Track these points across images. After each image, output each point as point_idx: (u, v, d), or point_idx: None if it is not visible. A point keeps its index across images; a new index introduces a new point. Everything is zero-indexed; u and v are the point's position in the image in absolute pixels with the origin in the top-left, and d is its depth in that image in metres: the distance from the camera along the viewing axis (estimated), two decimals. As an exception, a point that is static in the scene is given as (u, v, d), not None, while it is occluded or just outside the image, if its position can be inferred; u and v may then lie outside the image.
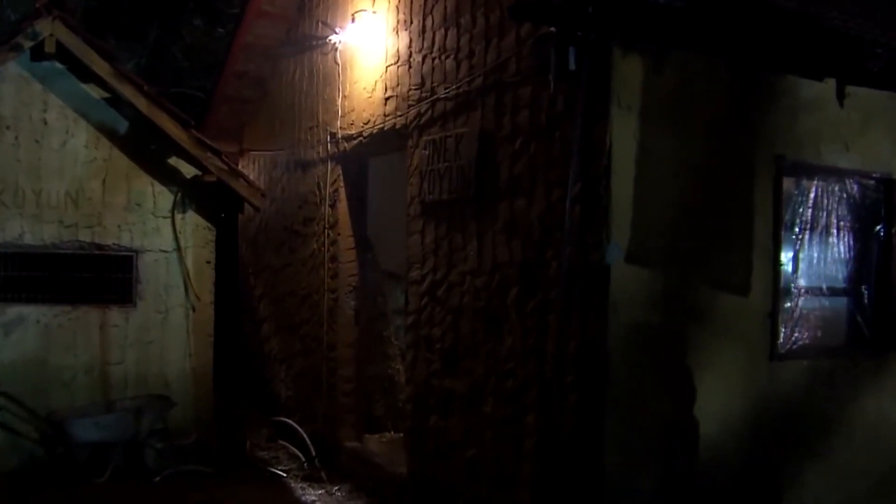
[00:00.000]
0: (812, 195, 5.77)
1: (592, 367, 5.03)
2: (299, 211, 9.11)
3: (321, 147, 8.60)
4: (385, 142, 7.46)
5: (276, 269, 9.73)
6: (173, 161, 8.56)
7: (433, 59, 6.63)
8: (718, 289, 5.37)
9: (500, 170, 5.86)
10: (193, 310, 8.60)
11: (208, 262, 8.71)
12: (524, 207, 5.60)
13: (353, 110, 7.94)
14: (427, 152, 6.64)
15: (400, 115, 7.07)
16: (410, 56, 6.93)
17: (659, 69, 5.12)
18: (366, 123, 7.67)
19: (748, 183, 5.49)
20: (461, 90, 6.27)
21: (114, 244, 8.41)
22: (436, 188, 6.51)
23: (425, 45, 6.71)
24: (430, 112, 6.67)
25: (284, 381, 9.42)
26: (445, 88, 6.45)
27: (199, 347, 8.63)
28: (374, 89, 7.55)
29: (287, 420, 8.97)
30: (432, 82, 6.65)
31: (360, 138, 7.77)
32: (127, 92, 8.12)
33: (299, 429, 8.65)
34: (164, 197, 8.56)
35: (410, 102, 6.92)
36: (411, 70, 6.93)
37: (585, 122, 5.07)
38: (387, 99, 7.32)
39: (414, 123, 6.87)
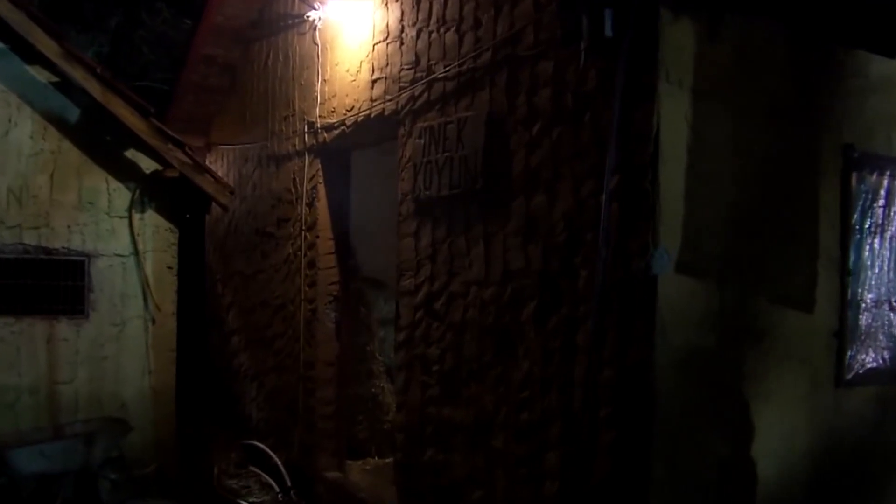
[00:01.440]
0: (883, 192, 4.89)
1: (635, 400, 4.12)
2: (272, 211, 8.14)
3: (298, 139, 7.64)
4: (372, 130, 6.52)
5: (246, 276, 8.75)
6: (131, 154, 7.58)
7: (430, 34, 5.69)
8: (778, 304, 4.48)
9: (513, 160, 4.94)
10: (153, 322, 7.62)
11: (170, 268, 7.72)
12: (545, 205, 4.69)
13: (334, 96, 6.99)
14: (422, 141, 5.70)
15: (389, 100, 6.13)
16: (402, 31, 5.99)
17: (713, 37, 4.22)
18: (349, 110, 6.72)
19: (811, 177, 4.61)
20: (464, 68, 5.35)
21: (63, 248, 7.42)
22: (433, 183, 5.57)
23: (420, 17, 5.77)
24: (426, 95, 5.74)
25: (256, 401, 8.44)
26: (445, 66, 5.52)
27: (159, 364, 7.65)
28: (358, 71, 6.60)
29: (259, 444, 7.99)
30: (429, 60, 5.71)
31: (343, 127, 6.82)
32: (78, 75, 7.13)
33: (273, 455, 7.69)
34: (121, 195, 7.57)
35: (402, 84, 5.99)
36: (403, 47, 5.99)
37: (626, 102, 4.16)
38: (374, 81, 6.37)
39: (406, 108, 5.94)
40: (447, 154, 5.44)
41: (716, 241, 4.22)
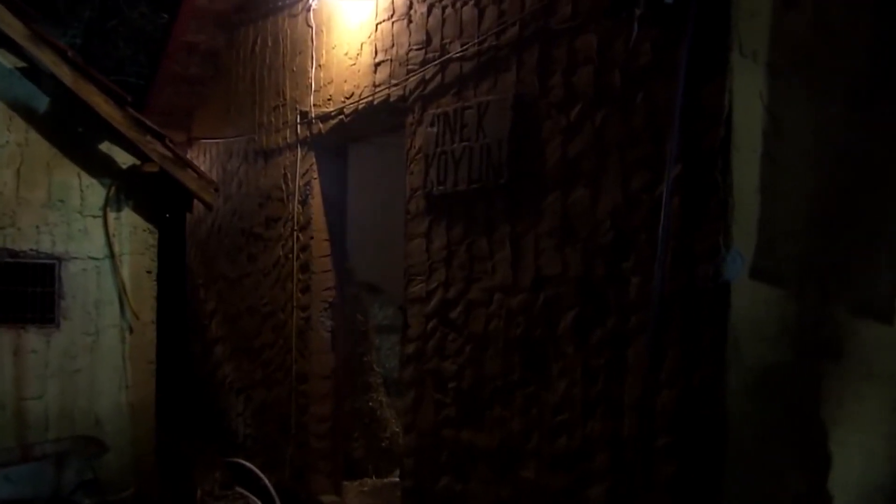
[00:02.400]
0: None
1: (701, 428, 3.51)
2: (260, 210, 7.47)
3: (289, 131, 6.98)
4: (374, 119, 5.87)
5: (231, 280, 8.07)
6: (105, 147, 6.88)
7: (443, 9, 5.07)
8: (859, 315, 3.88)
9: (545, 150, 4.32)
10: (131, 331, 6.92)
11: (149, 273, 7.03)
12: (586, 201, 4.07)
13: (330, 82, 6.34)
14: (435, 129, 5.07)
15: (396, 85, 5.49)
16: (411, 7, 5.36)
17: (790, 4, 3.61)
18: (348, 98, 6.07)
19: (894, 167, 4.01)
20: (485, 46, 4.73)
21: (31, 250, 6.70)
22: (449, 176, 4.94)
23: (433, -10, 5.15)
24: (438, 77, 5.11)
25: (243, 416, 7.76)
26: (462, 45, 4.89)
27: (137, 377, 6.95)
28: (359, 54, 5.95)
29: (247, 464, 7.32)
30: (442, 39, 5.09)
31: (341, 117, 6.17)
32: (47, 59, 6.42)
33: (263, 476, 7.01)
34: (95, 191, 6.87)
35: (411, 67, 5.35)
36: (412, 25, 5.36)
37: (691, 78, 3.54)
38: (377, 65, 5.73)
39: (416, 94, 5.30)
40: (465, 144, 4.82)
41: (794, 241, 3.62)
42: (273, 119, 7.27)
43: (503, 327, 4.56)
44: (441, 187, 5.00)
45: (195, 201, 7.28)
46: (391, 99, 5.55)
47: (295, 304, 6.80)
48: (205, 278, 8.72)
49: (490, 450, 4.63)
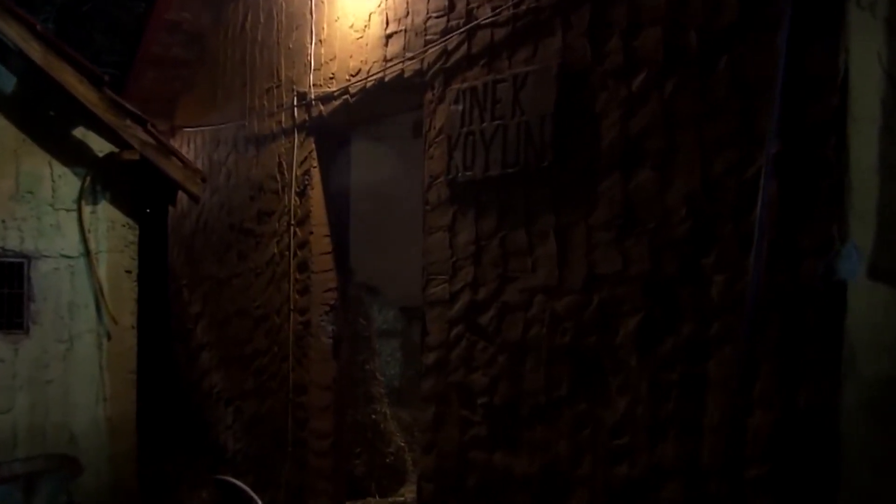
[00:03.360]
0: None
1: (807, 456, 2.89)
2: (252, 203, 6.79)
3: (285, 115, 6.31)
4: (385, 99, 5.22)
5: (218, 280, 7.39)
6: (80, 133, 6.20)
7: (470, -31, 4.43)
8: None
9: (601, 126, 3.69)
10: (109, 337, 6.23)
11: (128, 272, 6.35)
12: (654, 185, 3.44)
13: (332, 59, 5.68)
14: (461, 107, 4.43)
15: (411, 58, 4.84)
16: (430, -30, 4.72)
17: (912, -55, 3.00)
18: (353, 76, 5.42)
19: None
20: (522, 8, 4.09)
21: (-4, 247, 6.04)
22: (477, 160, 4.30)
23: (457, -51, 4.51)
24: (464, 48, 4.47)
25: (232, 429, 7.08)
26: (494, 9, 4.25)
27: (116, 388, 6.27)
28: (366, 26, 5.30)
29: (237, 482, 6.62)
30: (468, 3, 4.45)
31: (346, 97, 5.51)
32: (13, 33, 5.74)
33: (255, 497, 6.33)
34: (68, 182, 6.18)
35: (430, 37, 4.71)
36: (431, -10, 4.72)
37: (795, 37, 2.92)
38: (389, 37, 5.08)
39: (436, 67, 4.66)
40: (498, 122, 4.18)
41: (918, 232, 3.00)
42: (266, 103, 6.60)
43: (546, 334, 3.92)
44: (468, 173, 4.36)
45: (180, 194, 6.61)
46: (405, 74, 4.90)
47: (292, 307, 6.14)
48: (189, 279, 8.03)
49: (529, 476, 3.99)
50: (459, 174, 4.42)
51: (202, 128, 7.66)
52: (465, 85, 4.42)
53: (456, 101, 4.47)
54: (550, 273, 3.91)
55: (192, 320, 7.91)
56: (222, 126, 7.30)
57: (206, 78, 7.69)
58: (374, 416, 6.81)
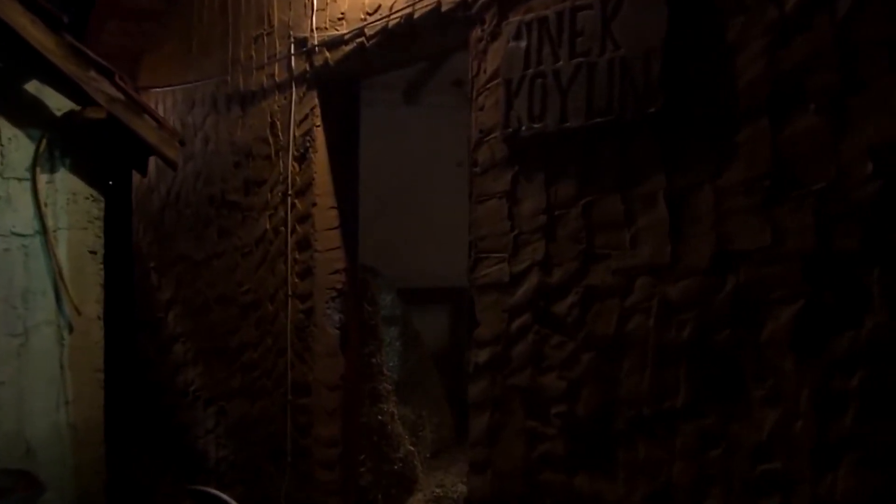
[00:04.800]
0: None
1: None
2: (237, 171, 5.84)
3: (279, 66, 5.37)
4: (414, 41, 4.30)
5: (195, 262, 6.43)
6: (34, 88, 5.22)
7: None
8: None
9: (735, 60, 2.83)
10: (71, 329, 5.27)
11: (93, 253, 5.39)
12: (821, 135, 2.59)
13: (342, -3, 4.76)
14: (524, 44, 3.54)
15: (451, -12, 3.94)
16: None
17: None
18: (371, 14, 4.50)
19: None
20: (615, -87, 3.21)
21: (-67, 225, 5.04)
22: (549, 109, 3.42)
23: None
24: (527, -31, 3.58)
25: (215, 434, 6.15)
26: (572, -83, 3.36)
27: (81, 390, 5.32)
28: (388, -48, 4.39)
29: (222, 495, 5.69)
30: (532, -89, 3.55)
31: (361, 40, 4.58)
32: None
33: (244, 513, 5.43)
34: (19, 147, 5.20)
35: (478, -40, 3.81)
36: None
37: None
38: (419, -37, 4.17)
39: (487, -4, 3.77)
40: (580, 60, 3.30)
41: None
42: (254, 53, 5.64)
43: (654, 327, 3.07)
44: (536, 125, 3.48)
45: (151, 161, 5.65)
46: (443, 8, 4.00)
47: (290, 292, 5.22)
48: (158, 260, 7.04)
49: (628, 506, 3.15)
50: (523, 127, 3.54)
51: (173, 87, 6.66)
52: (531, 16, 3.53)
53: (517, 37, 3.58)
54: (659, 249, 3.06)
55: (161, 308, 6.94)
56: (198, 84, 6.33)
57: (178, 30, 6.69)
58: (380, 418, 5.94)
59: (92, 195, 5.34)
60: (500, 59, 3.68)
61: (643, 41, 3.07)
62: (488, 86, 3.76)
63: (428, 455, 6.61)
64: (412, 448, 6.09)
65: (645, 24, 3.08)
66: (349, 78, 4.98)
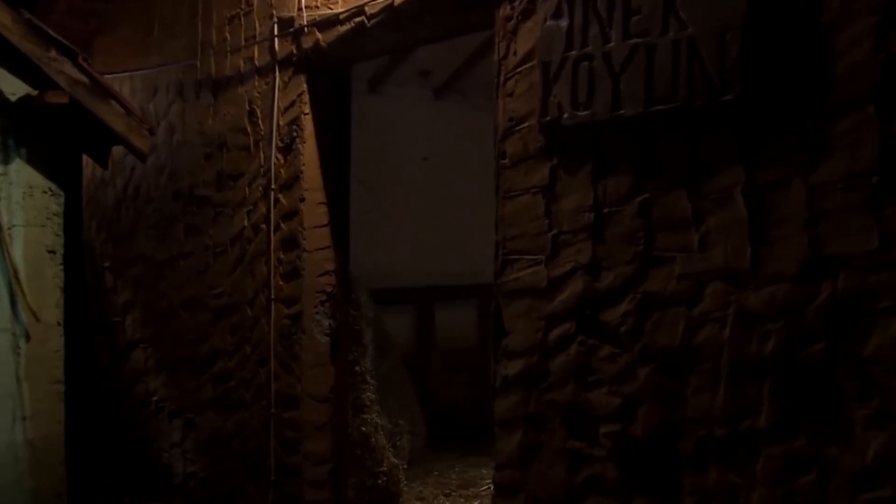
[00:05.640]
0: None
1: None
2: (208, 164, 5.38)
3: (258, 49, 4.93)
4: (426, 19, 3.91)
5: (157, 263, 5.93)
6: (-16, 69, 4.68)
7: None
8: None
9: (833, 41, 2.53)
10: (28, 338, 4.76)
11: (52, 253, 4.87)
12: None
13: (337, -29, 4.35)
14: (565, 23, 3.19)
15: (474, -39, 3.57)
16: None
17: None
18: (372, -10, 4.10)
19: None
20: None
21: None
22: (598, 95, 3.08)
23: None
24: (568, -60, 3.22)
25: (182, 448, 5.67)
26: None
27: (40, 404, 4.81)
28: (393, -78, 3.99)
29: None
30: None
31: (361, 19, 4.18)
32: None
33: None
34: (-34, 135, 4.66)
35: (506, -70, 3.44)
36: None
37: None
38: (432, -66, 3.78)
39: (518, -29, 3.41)
40: (637, 41, 2.97)
41: None
42: (229, 35, 5.19)
43: (730, 339, 2.75)
44: (581, 113, 3.13)
45: (115, 151, 5.16)
46: (463, -16, 3.63)
47: (273, 295, 4.78)
48: (113, 260, 6.52)
49: (697, 540, 2.82)
50: (565, 115, 3.19)
51: (130, 73, 6.14)
52: (573, -9, 3.18)
53: (556, 15, 3.23)
54: (736, 252, 2.74)
55: (118, 312, 6.42)
56: (161, 69, 5.83)
57: (137, 10, 6.18)
58: (363, 429, 5.54)
59: (50, 189, 4.83)
60: (534, 40, 3.33)
61: (718, 19, 2.75)
62: (519, 69, 3.41)
63: (405, 466, 6.23)
64: (396, 461, 5.70)
65: (720, 0, 2.75)
66: (342, 61, 4.57)
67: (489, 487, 6.61)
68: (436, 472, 6.97)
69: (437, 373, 8.44)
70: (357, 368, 5.51)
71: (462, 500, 6.35)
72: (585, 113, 3.13)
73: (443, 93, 8.71)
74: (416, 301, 8.49)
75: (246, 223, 5.03)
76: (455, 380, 8.66)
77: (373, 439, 5.56)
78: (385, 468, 5.58)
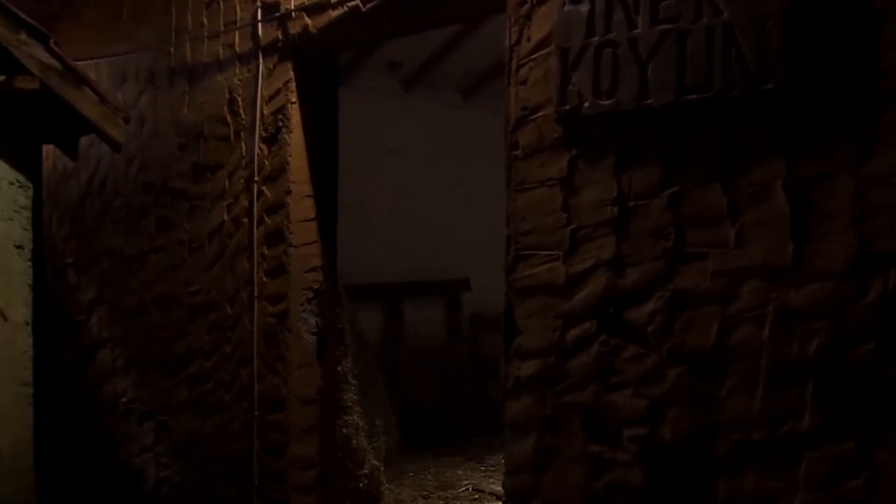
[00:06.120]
0: None
1: None
2: (183, 155, 5.14)
3: (240, 35, 4.72)
4: (428, 4, 3.74)
5: (126, 258, 5.67)
6: (-55, 52, 4.39)
7: None
8: None
9: (883, 28, 2.42)
10: (-7, 339, 4.48)
11: (20, 248, 4.58)
12: None
13: (327, -48, 4.15)
14: (585, 8, 3.05)
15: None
16: None
17: None
18: (368, -26, 3.91)
19: None
20: None
21: None
22: (623, 84, 2.95)
23: None
24: (589, -79, 3.08)
25: (155, 452, 5.42)
26: None
27: (6, 409, 4.52)
28: None
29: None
30: None
31: (356, 3, 3.99)
32: None
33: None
34: (-74, 123, 4.38)
35: (519, -90, 3.29)
36: None
37: None
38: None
39: (532, -49, 3.26)
40: (666, 27, 2.84)
41: None
42: (206, 20, 4.96)
43: (769, 339, 2.63)
44: (604, 102, 3.00)
45: (84, 141, 4.90)
46: (470, -33, 3.47)
47: (257, 292, 4.57)
48: (77, 256, 6.23)
49: (729, 548, 2.71)
50: (586, 104, 3.05)
51: (96, 60, 5.85)
52: (596, -26, 3.04)
53: (575, 0, 3.08)
54: (776, 249, 2.62)
55: (82, 310, 6.13)
56: (130, 56, 5.57)
57: (102, -7, 5.89)
58: (345, 431, 5.32)
59: (18, 181, 4.55)
60: (550, 25, 3.19)
61: (757, 5, 2.63)
62: (534, 56, 3.26)
63: (382, 467, 6.05)
64: (377, 463, 5.52)
65: (764, -21, 2.63)
66: (332, 48, 4.38)
67: (468, 489, 6.52)
68: (411, 474, 6.81)
69: (407, 371, 8.27)
70: (339, 368, 5.30)
71: (441, 501, 6.20)
72: (609, 102, 2.99)
73: (412, 85, 8.54)
74: (384, 297, 8.32)
75: (226, 217, 4.81)
76: (425, 378, 8.51)
77: (354, 441, 5.34)
78: (366, 471, 5.38)
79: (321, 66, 4.45)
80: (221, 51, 4.83)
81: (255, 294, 4.58)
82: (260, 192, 4.56)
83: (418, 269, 8.47)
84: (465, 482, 6.64)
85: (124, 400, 5.69)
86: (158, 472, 5.37)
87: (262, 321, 4.56)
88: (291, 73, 4.40)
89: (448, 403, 8.52)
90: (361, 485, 5.33)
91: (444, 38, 7.88)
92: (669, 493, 2.87)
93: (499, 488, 6.48)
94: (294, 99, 4.40)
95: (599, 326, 3.05)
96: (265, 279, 4.56)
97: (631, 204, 2.97)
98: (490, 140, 9.06)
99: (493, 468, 7.09)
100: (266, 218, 4.54)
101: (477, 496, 6.35)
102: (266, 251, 4.55)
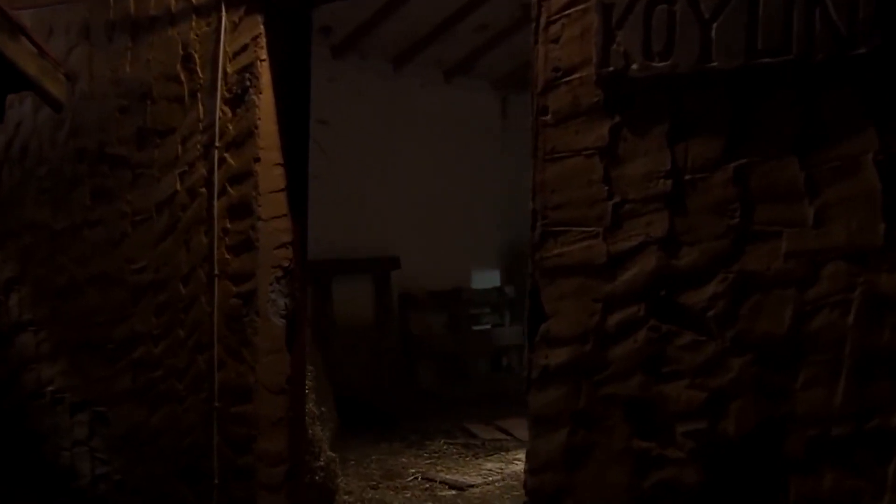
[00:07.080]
0: None
1: None
2: (125, 118, 4.63)
3: (198, -15, 4.24)
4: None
5: (52, 232, 5.12)
6: None
7: None
8: None
9: None
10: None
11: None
12: None
13: None
14: (635, -38, 2.75)
15: None
16: None
17: None
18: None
19: None
20: None
21: None
22: (680, 44, 2.69)
23: None
24: None
25: (90, 446, 4.91)
26: None
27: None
28: None
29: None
30: None
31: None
32: None
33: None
34: None
35: None
36: None
37: None
38: None
39: None
40: (735, -19, 2.57)
41: None
42: (155, -32, 4.45)
43: (855, 326, 2.41)
44: (658, 64, 2.72)
45: (8, 103, 4.34)
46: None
47: (218, 271, 4.14)
48: (-9, 229, 5.61)
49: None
50: (634, 66, 2.76)
51: (17, 10, 5.22)
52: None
53: (623, -50, 2.79)
54: (863, 228, 2.40)
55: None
56: (57, 6, 5.00)
57: (22, -65, 5.26)
58: (309, 431, 4.95)
59: (-59, 143, 3.98)
60: (592, -22, 2.87)
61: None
62: (567, 12, 2.95)
63: (337, 458, 5.70)
64: (333, 454, 5.17)
65: (852, -61, 2.38)
66: (308, 1, 3.96)
67: (416, 478, 6.21)
68: (352, 462, 6.46)
69: (338, 352, 7.89)
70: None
71: (391, 492, 5.88)
72: (663, 64, 2.71)
73: (342, 52, 8.13)
74: (312, 275, 7.91)
75: (178, 187, 4.35)
76: (355, 359, 8.16)
77: (310, 431, 4.98)
78: (322, 462, 5.03)
79: (295, 20, 4.03)
80: (173, 2, 4.34)
81: (216, 272, 4.14)
82: (222, 160, 4.12)
83: (347, 247, 8.11)
84: (412, 470, 6.34)
85: (51, 389, 5.15)
86: (94, 467, 4.87)
87: (224, 302, 4.13)
88: (261, 27, 3.98)
89: (377, 387, 8.19)
90: (318, 478, 4.99)
91: (378, 4, 7.51)
92: (730, 493, 2.64)
93: (449, 476, 6.24)
94: (264, 56, 3.97)
95: (648, 311, 2.78)
96: (227, 256, 4.13)
97: (688, 177, 2.70)
98: (422, 112, 8.75)
99: (436, 455, 6.83)
100: (229, 188, 4.11)
101: (427, 485, 6.05)
102: (229, 225, 4.12)
